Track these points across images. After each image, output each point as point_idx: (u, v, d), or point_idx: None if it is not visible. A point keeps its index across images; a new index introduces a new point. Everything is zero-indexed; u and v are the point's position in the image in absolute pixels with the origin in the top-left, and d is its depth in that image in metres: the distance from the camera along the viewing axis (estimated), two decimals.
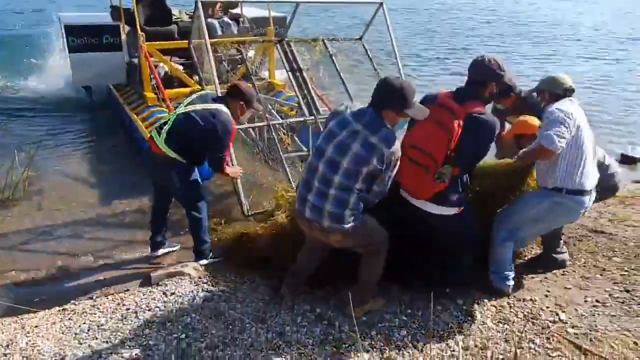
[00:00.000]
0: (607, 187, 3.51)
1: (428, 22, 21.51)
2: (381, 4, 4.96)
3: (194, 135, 3.40)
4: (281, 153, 4.43)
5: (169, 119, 3.52)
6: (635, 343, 2.82)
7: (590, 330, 2.93)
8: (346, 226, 2.67)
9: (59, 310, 3.18)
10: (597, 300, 3.25)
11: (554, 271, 3.58)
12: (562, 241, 3.71)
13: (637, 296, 3.29)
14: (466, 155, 2.76)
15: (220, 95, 3.74)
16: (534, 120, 3.33)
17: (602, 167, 3.42)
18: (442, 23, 21.19)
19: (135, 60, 6.90)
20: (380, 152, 2.56)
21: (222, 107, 3.43)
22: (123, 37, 7.41)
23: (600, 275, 3.59)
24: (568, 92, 3.13)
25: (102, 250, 4.22)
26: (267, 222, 3.57)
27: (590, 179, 3.04)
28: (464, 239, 3.03)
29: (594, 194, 3.10)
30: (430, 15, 24.05)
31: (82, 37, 7.24)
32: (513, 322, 3.03)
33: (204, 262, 3.74)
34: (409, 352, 2.74)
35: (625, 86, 10.99)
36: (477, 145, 2.75)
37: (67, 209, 4.94)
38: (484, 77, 2.78)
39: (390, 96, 2.60)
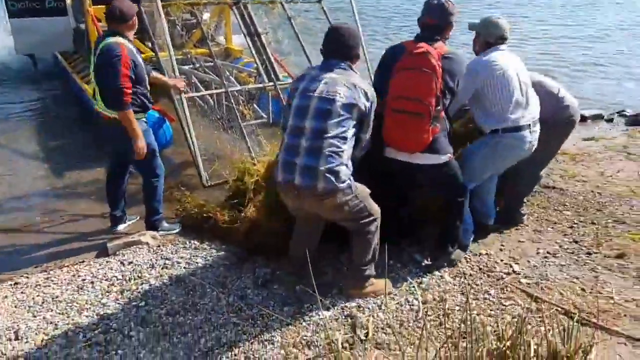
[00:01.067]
0: (563, 119, 3.55)
1: None
2: None
3: (99, 81, 3.30)
4: (240, 121, 4.34)
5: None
6: (582, 289, 2.96)
7: (542, 280, 3.06)
8: (342, 185, 2.52)
9: (11, 285, 3.08)
10: (548, 252, 3.39)
11: (509, 226, 3.70)
12: (524, 203, 3.85)
13: (584, 246, 3.45)
14: (446, 95, 2.79)
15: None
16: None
17: (557, 100, 3.50)
18: None
19: (82, 26, 6.56)
20: (364, 90, 2.57)
21: (109, 39, 3.25)
22: (68, 0, 7.02)
23: (552, 228, 3.73)
24: (500, 40, 3.17)
25: (56, 223, 4.07)
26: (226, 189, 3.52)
27: (526, 115, 3.11)
28: (456, 186, 3.03)
29: (536, 127, 3.17)
30: None
31: (23, 1, 6.82)
32: (470, 275, 3.12)
33: (162, 232, 3.66)
34: (369, 308, 2.79)
35: (581, 50, 11.28)
36: (454, 83, 2.79)
37: (17, 183, 4.74)
38: (448, 19, 2.83)
39: (354, 44, 2.67)
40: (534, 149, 3.24)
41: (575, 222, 3.82)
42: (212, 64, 5.17)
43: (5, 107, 6.79)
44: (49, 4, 6.92)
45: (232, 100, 4.47)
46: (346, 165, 2.55)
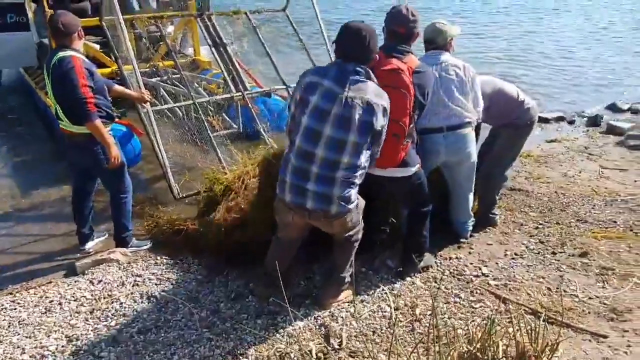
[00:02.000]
0: (525, 121, 3.66)
1: None
2: None
3: (60, 96, 3.22)
4: (210, 132, 4.32)
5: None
6: (548, 289, 3.05)
7: (509, 281, 3.14)
8: (351, 206, 2.53)
9: None
10: (515, 253, 3.48)
11: (477, 229, 3.78)
12: (496, 205, 3.93)
13: (550, 246, 3.56)
14: (416, 111, 2.79)
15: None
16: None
17: (517, 103, 3.60)
18: None
19: (46, 41, 6.43)
20: (381, 106, 2.44)
21: (60, 54, 3.18)
22: (30, 15, 6.87)
23: (518, 229, 3.83)
24: (444, 47, 3.22)
25: (22, 244, 3.96)
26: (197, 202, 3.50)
27: (437, 120, 3.13)
28: (422, 195, 3.07)
29: (455, 132, 3.17)
30: None
31: None
32: (440, 280, 3.18)
33: (132, 249, 3.62)
34: (342, 317, 2.81)
35: (539, 55, 11.62)
36: (424, 97, 2.79)
37: None
38: (415, 27, 2.82)
39: (371, 45, 2.45)
40: (461, 152, 3.24)
41: (541, 222, 3.93)
42: (179, 75, 5.14)
43: None
44: (10, 19, 6.74)
45: (201, 112, 4.45)
46: (357, 185, 2.55)
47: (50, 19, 3.30)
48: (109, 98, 3.49)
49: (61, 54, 3.17)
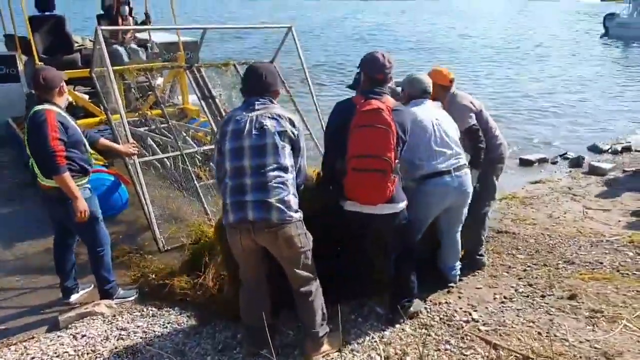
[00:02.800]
0: (497, 156, 3.77)
1: (337, 43, 22.26)
2: (290, 28, 5.05)
3: (30, 148, 3.24)
4: (196, 182, 4.34)
5: None
6: (539, 333, 3.03)
7: (500, 326, 3.11)
8: (295, 215, 2.60)
9: None
10: (504, 297, 3.47)
11: (467, 273, 3.78)
12: (483, 246, 3.96)
13: (538, 289, 3.56)
14: (400, 146, 2.88)
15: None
16: (447, 72, 3.69)
17: (492, 138, 3.71)
18: (347, 42, 22.01)
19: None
20: (288, 117, 2.67)
21: (35, 107, 3.23)
22: (20, 67, 6.98)
23: (507, 272, 3.84)
24: (424, 94, 3.37)
25: (4, 297, 3.88)
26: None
27: (439, 161, 3.21)
28: (408, 233, 3.11)
29: (461, 172, 3.26)
30: (338, 36, 24.90)
31: None
32: (430, 326, 3.15)
33: (117, 300, 3.55)
34: None
35: (526, 97, 11.96)
36: (404, 134, 2.88)
37: None
38: (388, 73, 2.94)
39: (273, 80, 2.76)
40: (466, 193, 3.33)
41: (529, 265, 3.94)
42: (167, 125, 5.21)
43: None
44: (0, 71, 6.86)
45: (188, 162, 4.49)
46: (294, 195, 2.63)
47: (34, 73, 3.36)
48: (88, 151, 3.50)
49: (37, 107, 3.21)
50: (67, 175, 3.18)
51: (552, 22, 35.58)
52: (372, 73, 2.94)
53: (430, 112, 3.31)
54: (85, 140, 3.46)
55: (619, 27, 26.26)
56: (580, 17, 41.66)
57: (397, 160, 2.83)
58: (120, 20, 7.24)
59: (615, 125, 9.52)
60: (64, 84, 3.40)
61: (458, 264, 3.63)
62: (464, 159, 3.33)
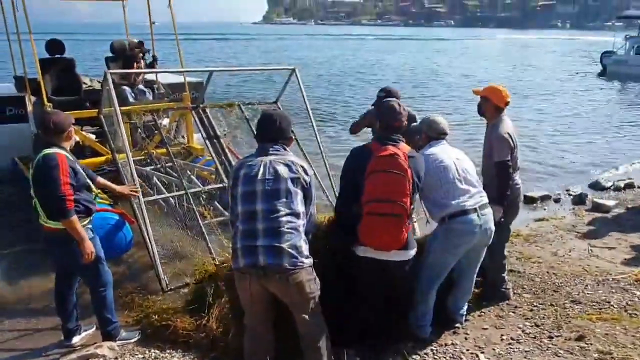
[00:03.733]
0: (513, 198, 3.81)
1: (338, 84, 22.66)
2: (293, 69, 5.16)
3: (39, 192, 3.26)
4: (200, 221, 4.36)
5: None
6: None
7: None
8: (306, 261, 2.61)
9: None
10: (511, 338, 3.43)
11: (472, 313, 3.74)
12: (505, 275, 3.98)
13: (546, 330, 3.52)
14: (415, 192, 2.93)
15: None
16: (506, 95, 3.77)
17: (512, 180, 3.76)
18: (348, 80, 22.42)
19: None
20: (300, 165, 2.73)
21: (45, 150, 3.26)
22: (29, 108, 7.11)
23: (513, 312, 3.80)
24: (441, 135, 3.43)
25: (6, 339, 3.84)
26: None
27: (470, 200, 3.22)
28: (410, 280, 3.13)
29: (485, 211, 3.27)
30: (341, 74, 25.39)
31: None
32: None
33: (120, 342, 3.51)
34: None
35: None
36: (419, 180, 2.95)
37: None
38: (403, 121, 3.02)
39: (286, 127, 2.83)
40: (490, 232, 3.33)
41: (535, 304, 3.91)
42: (173, 164, 5.27)
43: None
44: (9, 111, 6.99)
45: (192, 201, 4.52)
46: (305, 241, 2.64)
47: (43, 117, 3.43)
48: (92, 192, 3.55)
49: (47, 150, 3.25)
50: (75, 218, 3.22)
51: (549, 62, 36.29)
52: (389, 121, 3.01)
53: (450, 152, 3.36)
54: (89, 182, 3.50)
55: (616, 65, 26.71)
56: (579, 54, 42.48)
57: (412, 207, 2.86)
58: (135, 64, 7.42)
59: (617, 162, 9.57)
60: (72, 128, 3.47)
61: (466, 305, 3.61)
62: (486, 197, 3.35)
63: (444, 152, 3.34)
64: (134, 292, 4.33)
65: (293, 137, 2.94)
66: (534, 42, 65.18)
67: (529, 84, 21.69)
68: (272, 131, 2.79)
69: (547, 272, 4.54)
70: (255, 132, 2.89)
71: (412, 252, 2.98)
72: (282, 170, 2.65)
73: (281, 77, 5.52)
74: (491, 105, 3.78)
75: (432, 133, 3.44)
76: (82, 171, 3.43)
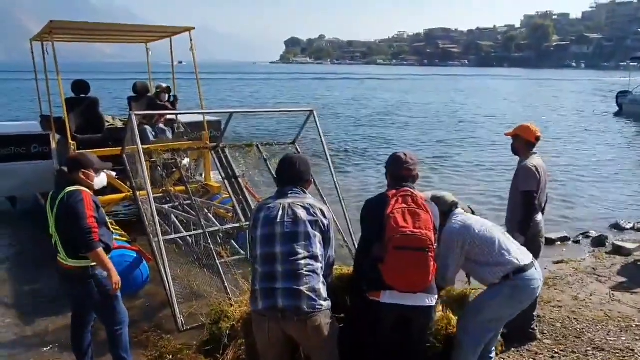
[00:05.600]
0: (535, 233, 3.85)
1: (357, 124, 22.90)
2: (311, 111, 5.27)
3: (64, 228, 3.33)
4: (217, 260, 4.39)
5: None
6: None
7: None
8: (325, 304, 2.60)
9: None
10: None
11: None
12: (535, 314, 3.97)
13: None
14: (436, 232, 2.84)
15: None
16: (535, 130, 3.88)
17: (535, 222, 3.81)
18: (364, 120, 22.64)
19: (65, 168, 6.78)
20: (319, 208, 2.74)
21: (68, 188, 3.35)
22: (53, 146, 7.33)
23: (534, 359, 3.70)
24: (453, 206, 3.35)
25: None
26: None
27: (522, 255, 3.17)
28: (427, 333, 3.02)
29: (537, 263, 3.23)
30: (356, 115, 25.68)
31: (9, 147, 7.10)
32: None
33: None
34: None
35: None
36: (436, 223, 2.88)
37: None
38: (412, 169, 3.01)
39: (306, 170, 2.88)
40: (540, 287, 3.26)
41: (556, 351, 3.82)
42: (190, 202, 5.35)
43: None
44: (34, 149, 7.21)
45: (210, 240, 4.57)
46: (323, 284, 2.64)
47: (71, 156, 3.55)
48: (110, 229, 3.63)
49: (70, 188, 3.35)
50: (101, 250, 3.29)
51: (566, 101, 36.36)
52: (396, 171, 3.01)
53: (476, 217, 3.33)
54: (107, 219, 3.58)
55: (632, 105, 26.62)
56: (595, 94, 42.52)
57: (435, 245, 2.77)
58: (157, 102, 7.66)
59: (636, 203, 9.43)
60: (99, 169, 3.57)
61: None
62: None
63: (469, 217, 3.30)
64: (149, 331, 4.33)
65: (312, 180, 2.96)
66: (549, 82, 65.49)
67: (547, 124, 21.67)
68: (291, 174, 2.84)
69: (568, 317, 4.44)
70: (273, 172, 2.91)
71: (434, 298, 2.86)
72: (301, 213, 2.68)
73: (300, 115, 5.62)
74: (522, 142, 3.92)
75: (445, 208, 3.33)
76: (102, 208, 3.52)
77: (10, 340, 4.39)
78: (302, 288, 2.55)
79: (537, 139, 3.91)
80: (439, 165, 12.74)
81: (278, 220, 2.67)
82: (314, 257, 2.64)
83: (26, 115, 19.07)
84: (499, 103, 33.29)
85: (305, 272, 2.58)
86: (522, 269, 3.10)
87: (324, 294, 2.63)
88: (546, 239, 6.89)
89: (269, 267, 2.62)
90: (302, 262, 2.59)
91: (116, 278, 3.37)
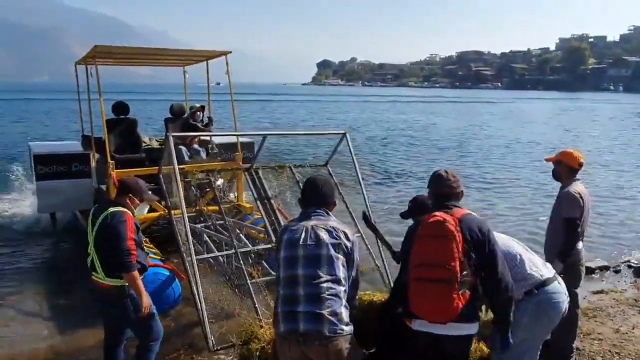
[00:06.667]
0: (575, 261, 3.76)
1: (385, 145, 22.84)
2: (344, 134, 5.30)
3: (104, 246, 3.40)
4: (248, 281, 4.41)
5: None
6: None
7: None
8: (346, 328, 2.57)
9: None
10: None
11: None
12: (574, 345, 3.91)
13: None
14: (472, 258, 2.68)
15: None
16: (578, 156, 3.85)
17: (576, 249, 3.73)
18: (397, 142, 22.56)
19: (103, 186, 7.00)
20: (342, 231, 2.71)
21: (112, 208, 3.43)
22: (93, 164, 7.59)
23: None
24: None
25: None
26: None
27: (544, 269, 3.10)
28: None
29: (559, 278, 3.13)
30: (388, 136, 25.63)
31: (51, 166, 7.38)
32: None
33: None
34: None
35: None
36: (476, 239, 2.70)
37: (17, 343, 4.65)
38: (454, 187, 2.90)
39: (330, 192, 2.88)
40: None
41: None
42: (223, 222, 5.42)
43: (21, 263, 6.92)
44: (75, 167, 7.48)
45: (242, 260, 4.60)
46: (346, 307, 2.61)
47: (125, 180, 3.70)
48: (145, 251, 3.72)
49: (114, 209, 3.45)
50: (137, 273, 3.38)
51: (605, 126, 35.46)
52: (437, 190, 2.93)
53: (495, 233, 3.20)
54: (142, 243, 3.67)
55: None
56: (635, 119, 41.35)
57: (464, 272, 2.63)
58: (191, 121, 7.86)
59: None
60: (145, 199, 3.70)
61: None
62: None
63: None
64: (180, 349, 4.36)
65: (336, 202, 2.93)
66: (587, 105, 64.04)
67: (589, 150, 21.14)
68: (314, 196, 2.85)
69: (609, 351, 4.25)
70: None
71: (474, 327, 2.73)
72: (324, 236, 2.66)
73: (332, 137, 5.65)
74: (565, 167, 3.87)
75: None
76: (140, 230, 3.62)
77: (42, 355, 4.48)
78: (323, 312, 2.54)
79: (580, 165, 3.85)
80: (479, 188, 12.55)
81: (301, 242, 2.67)
82: (337, 281, 2.61)
83: (63, 134, 19.85)
84: (537, 127, 32.63)
85: (327, 296, 2.56)
86: (544, 283, 3.03)
87: (346, 318, 2.60)
88: (586, 267, 6.72)
89: (291, 290, 2.62)
90: (324, 285, 2.58)
91: (146, 302, 3.43)
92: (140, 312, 3.43)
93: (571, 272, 3.65)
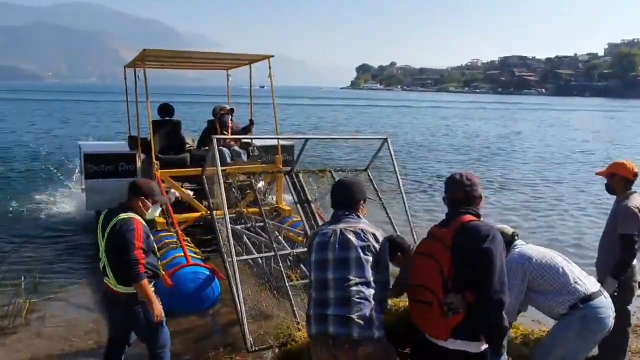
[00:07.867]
0: (628, 277, 3.64)
1: (425, 154, 22.57)
2: (385, 139, 5.28)
3: (111, 254, 3.37)
4: (287, 283, 4.44)
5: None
6: None
7: None
8: (376, 333, 2.55)
9: None
10: None
11: None
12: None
13: None
14: (463, 277, 2.43)
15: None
16: (632, 166, 3.75)
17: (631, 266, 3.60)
18: (437, 150, 22.23)
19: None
20: (371, 233, 2.71)
21: (121, 215, 3.40)
22: (138, 164, 7.82)
23: None
24: (513, 238, 3.21)
25: None
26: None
27: (589, 283, 3.00)
28: None
29: (605, 293, 3.03)
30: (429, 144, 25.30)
31: (100, 165, 7.65)
32: None
33: None
34: None
35: None
36: (470, 255, 2.44)
37: (66, 339, 4.81)
38: (469, 190, 2.67)
39: (359, 195, 2.88)
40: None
41: None
42: (263, 223, 5.48)
43: (69, 259, 7.20)
44: (121, 167, 7.73)
45: (280, 262, 4.63)
46: (376, 311, 2.58)
47: (136, 182, 3.70)
48: (157, 256, 3.70)
49: (123, 215, 3.41)
50: (146, 282, 3.32)
51: None
52: (451, 194, 2.74)
53: (536, 247, 3.18)
54: (155, 247, 3.65)
55: None
56: None
57: (450, 294, 2.43)
58: (218, 126, 7.94)
59: None
60: (157, 201, 3.69)
61: None
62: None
63: (531, 247, 3.16)
64: (219, 348, 4.42)
65: (365, 200, 2.91)
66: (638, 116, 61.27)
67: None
68: (344, 199, 2.85)
69: None
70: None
71: (481, 345, 2.49)
72: (352, 239, 2.67)
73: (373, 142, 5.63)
74: (620, 179, 3.75)
75: (505, 239, 3.03)
76: (152, 236, 3.60)
77: (90, 350, 4.61)
78: (352, 316, 2.53)
79: (636, 175, 3.72)
80: (522, 204, 12.24)
81: (330, 245, 2.69)
82: (366, 284, 2.60)
83: (110, 135, 20.56)
84: (587, 136, 31.36)
85: (356, 299, 2.55)
86: (590, 297, 2.93)
87: (377, 322, 2.56)
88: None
89: (321, 293, 2.65)
90: (354, 288, 2.57)
91: (158, 309, 3.39)
92: (151, 320, 3.41)
93: (623, 288, 3.51)
